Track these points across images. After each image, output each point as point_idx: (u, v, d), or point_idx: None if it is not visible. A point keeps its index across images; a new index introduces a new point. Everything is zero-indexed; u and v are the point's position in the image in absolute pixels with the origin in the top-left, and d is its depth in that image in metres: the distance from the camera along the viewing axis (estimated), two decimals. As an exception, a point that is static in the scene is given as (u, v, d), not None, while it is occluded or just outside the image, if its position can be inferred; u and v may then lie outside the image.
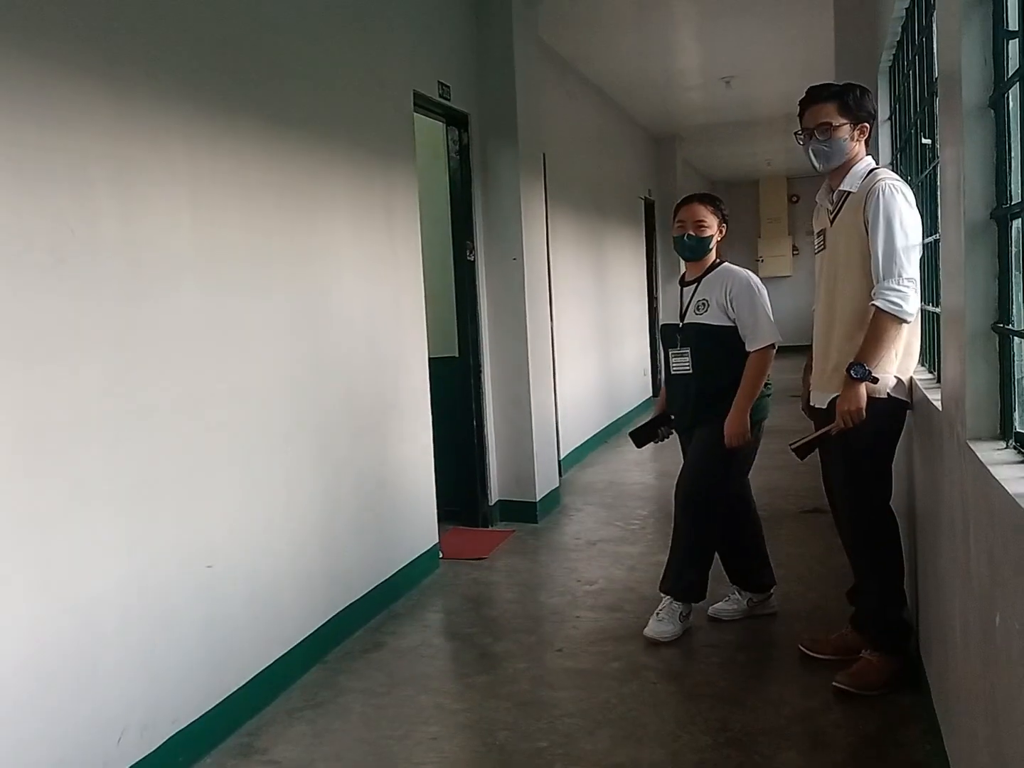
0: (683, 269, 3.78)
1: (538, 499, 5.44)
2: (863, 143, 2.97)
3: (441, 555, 4.68)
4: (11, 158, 2.19)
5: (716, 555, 3.65)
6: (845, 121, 2.89)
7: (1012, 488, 1.54)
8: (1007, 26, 1.78)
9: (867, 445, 2.89)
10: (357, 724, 2.99)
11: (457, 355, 5.23)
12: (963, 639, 2.08)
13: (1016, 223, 1.79)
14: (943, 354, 2.34)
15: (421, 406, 4.45)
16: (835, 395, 2.88)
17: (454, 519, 5.28)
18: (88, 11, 2.45)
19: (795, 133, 3.01)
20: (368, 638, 3.69)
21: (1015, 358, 1.83)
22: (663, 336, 3.71)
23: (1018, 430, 1.82)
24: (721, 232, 3.56)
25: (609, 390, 8.48)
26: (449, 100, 4.83)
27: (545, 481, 5.58)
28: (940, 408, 2.39)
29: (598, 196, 8.25)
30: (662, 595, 3.56)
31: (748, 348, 3.42)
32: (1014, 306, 1.82)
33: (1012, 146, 1.80)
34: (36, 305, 2.26)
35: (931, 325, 3.11)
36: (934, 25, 2.70)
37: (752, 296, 3.43)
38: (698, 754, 2.68)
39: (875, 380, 2.78)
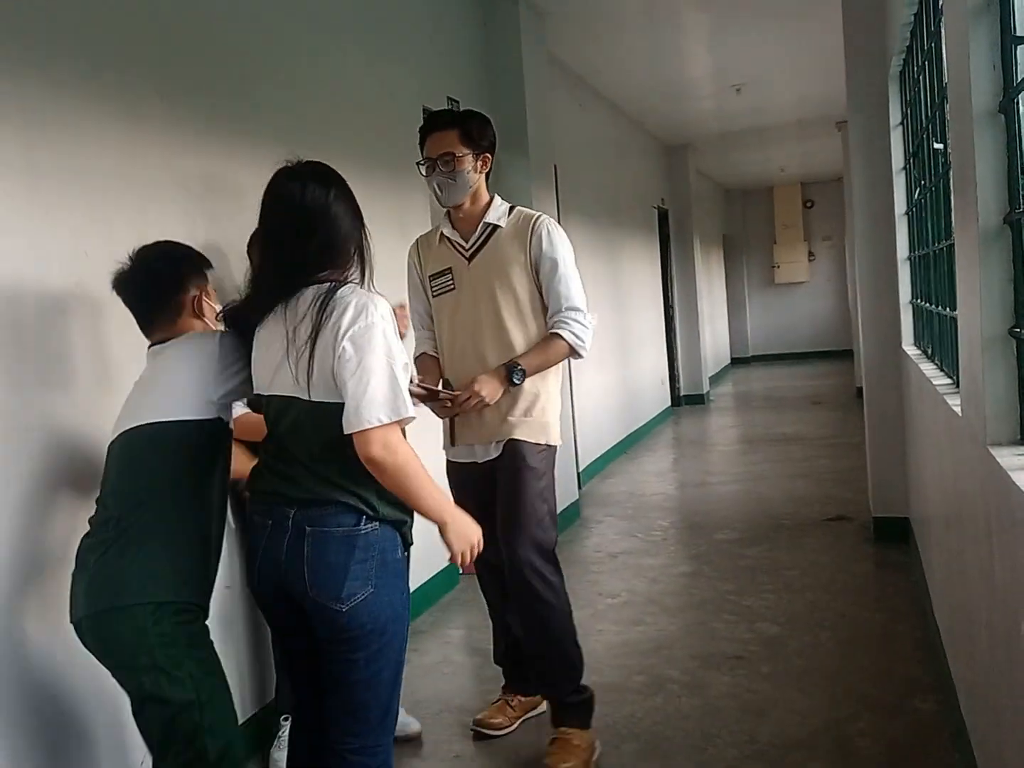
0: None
1: (558, 512, 5.42)
2: (485, 176, 2.81)
3: (461, 571, 4.67)
4: (27, 181, 2.22)
5: None
6: (468, 151, 2.71)
7: (1033, 494, 1.53)
8: (1015, 32, 1.79)
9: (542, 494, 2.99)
10: (381, 742, 2.98)
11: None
12: (989, 645, 2.07)
13: (1030, 227, 1.78)
14: (961, 359, 2.33)
15: (435, 421, 4.44)
16: (510, 439, 2.84)
17: (474, 533, 5.26)
18: (103, 38, 2.50)
19: (417, 163, 2.80)
20: (391, 655, 3.68)
21: (1033, 363, 1.82)
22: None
23: (1038, 435, 1.81)
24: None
25: (627, 400, 8.46)
26: (459, 116, 4.86)
27: (564, 493, 5.55)
28: (960, 414, 2.38)
29: (611, 206, 8.25)
30: None
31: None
32: (1031, 311, 1.81)
33: (1023, 151, 1.80)
34: (55, 330, 2.29)
35: (949, 330, 3.09)
36: (943, 30, 2.70)
37: None
38: (726, 767, 2.67)
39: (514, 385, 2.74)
